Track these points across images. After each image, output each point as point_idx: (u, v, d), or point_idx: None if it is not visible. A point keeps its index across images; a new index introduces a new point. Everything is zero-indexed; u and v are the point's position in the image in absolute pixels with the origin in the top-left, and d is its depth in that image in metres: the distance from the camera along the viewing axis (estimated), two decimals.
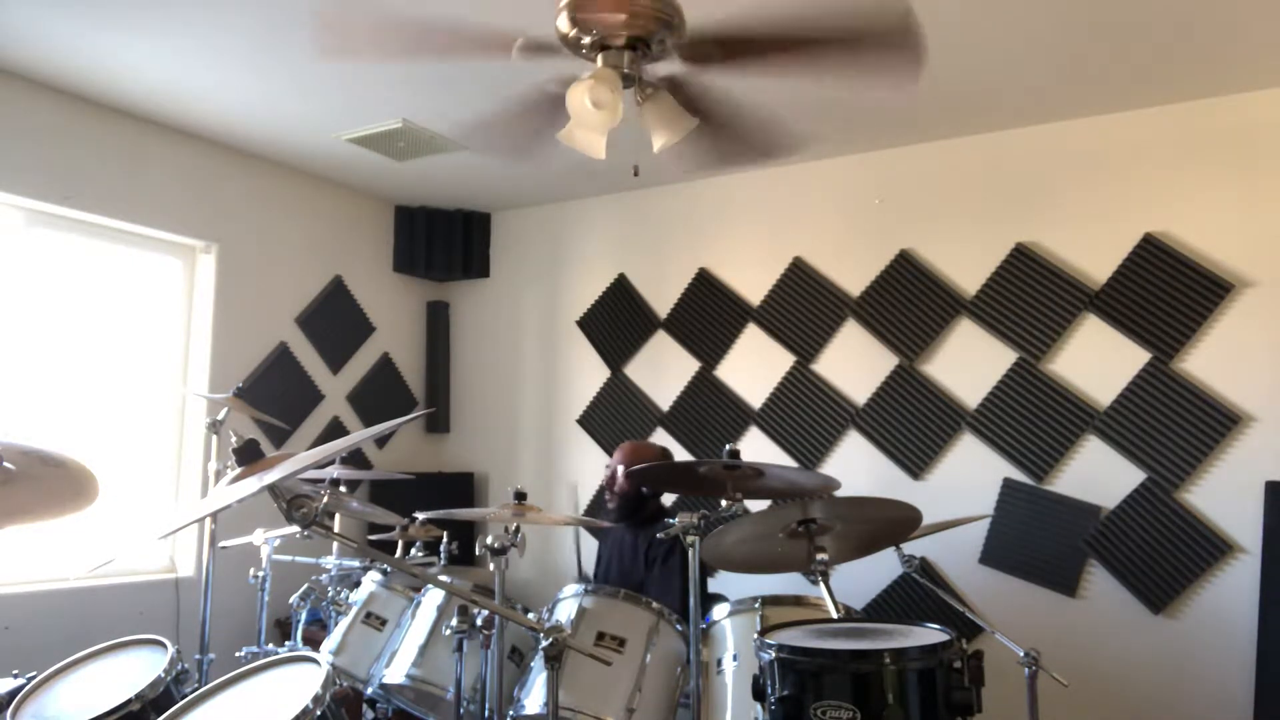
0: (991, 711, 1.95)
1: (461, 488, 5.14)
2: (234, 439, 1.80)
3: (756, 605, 2.42)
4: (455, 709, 2.65)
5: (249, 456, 1.75)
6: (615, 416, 4.85)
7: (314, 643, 3.32)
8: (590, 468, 4.89)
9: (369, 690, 2.97)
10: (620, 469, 3.42)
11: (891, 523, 2.47)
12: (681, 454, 4.53)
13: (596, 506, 4.76)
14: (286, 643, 3.59)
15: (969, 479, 3.95)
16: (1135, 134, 3.76)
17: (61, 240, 3.84)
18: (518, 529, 2.51)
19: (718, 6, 2.60)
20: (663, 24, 2.44)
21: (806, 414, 4.32)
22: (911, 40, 2.79)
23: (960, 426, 3.98)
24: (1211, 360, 3.56)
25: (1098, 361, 3.75)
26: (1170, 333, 3.62)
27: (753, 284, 4.55)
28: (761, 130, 3.35)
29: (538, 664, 2.54)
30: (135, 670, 2.22)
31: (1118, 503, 3.66)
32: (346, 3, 3.08)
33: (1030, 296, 3.89)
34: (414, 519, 3.47)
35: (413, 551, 3.58)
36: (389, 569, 3.20)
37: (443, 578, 2.73)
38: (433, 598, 2.96)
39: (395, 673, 2.84)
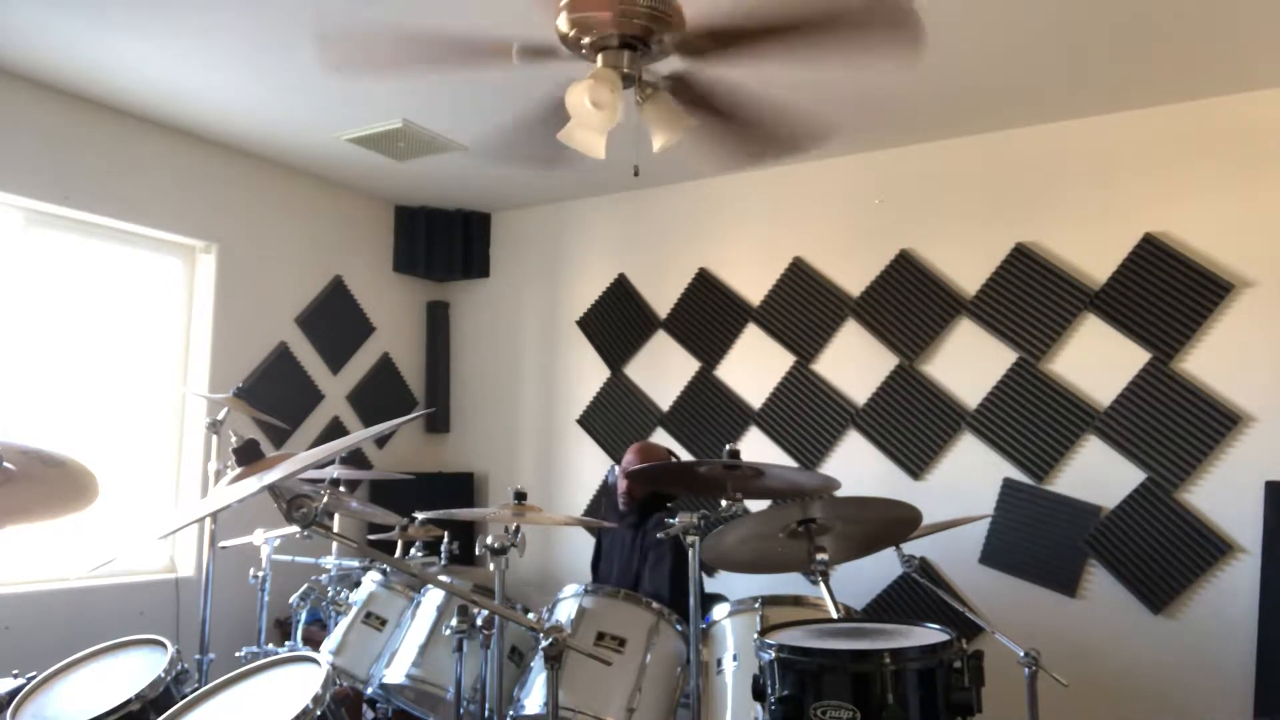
0: (991, 711, 1.95)
1: (461, 488, 5.14)
2: (234, 439, 1.80)
3: (756, 605, 2.42)
4: (455, 709, 2.65)
5: (249, 456, 1.75)
6: (615, 416, 4.85)
7: (314, 643, 3.32)
8: (590, 467, 4.89)
9: (369, 690, 2.97)
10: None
11: (891, 523, 2.47)
12: (681, 454, 4.53)
13: (597, 505, 4.76)
14: (286, 643, 3.59)
15: (969, 479, 3.95)
16: (1135, 134, 3.76)
17: (61, 240, 3.84)
18: (518, 529, 2.51)
19: (722, 69, 2.60)
20: (658, 21, 2.44)
21: (806, 414, 4.32)
22: (909, 17, 2.77)
23: (960, 426, 3.98)
24: (1211, 360, 3.56)
25: (1098, 361, 3.75)
26: (1170, 333, 3.62)
27: (753, 284, 4.55)
28: (786, 124, 3.33)
29: (538, 664, 2.54)
30: (135, 670, 2.22)
31: (1118, 503, 3.66)
32: (347, 19, 3.08)
33: (1030, 296, 3.89)
34: (414, 519, 3.47)
35: (413, 551, 3.58)
36: (389, 569, 3.20)
37: (443, 578, 2.73)
38: (433, 598, 2.96)
39: (395, 673, 2.84)
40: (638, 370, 4.83)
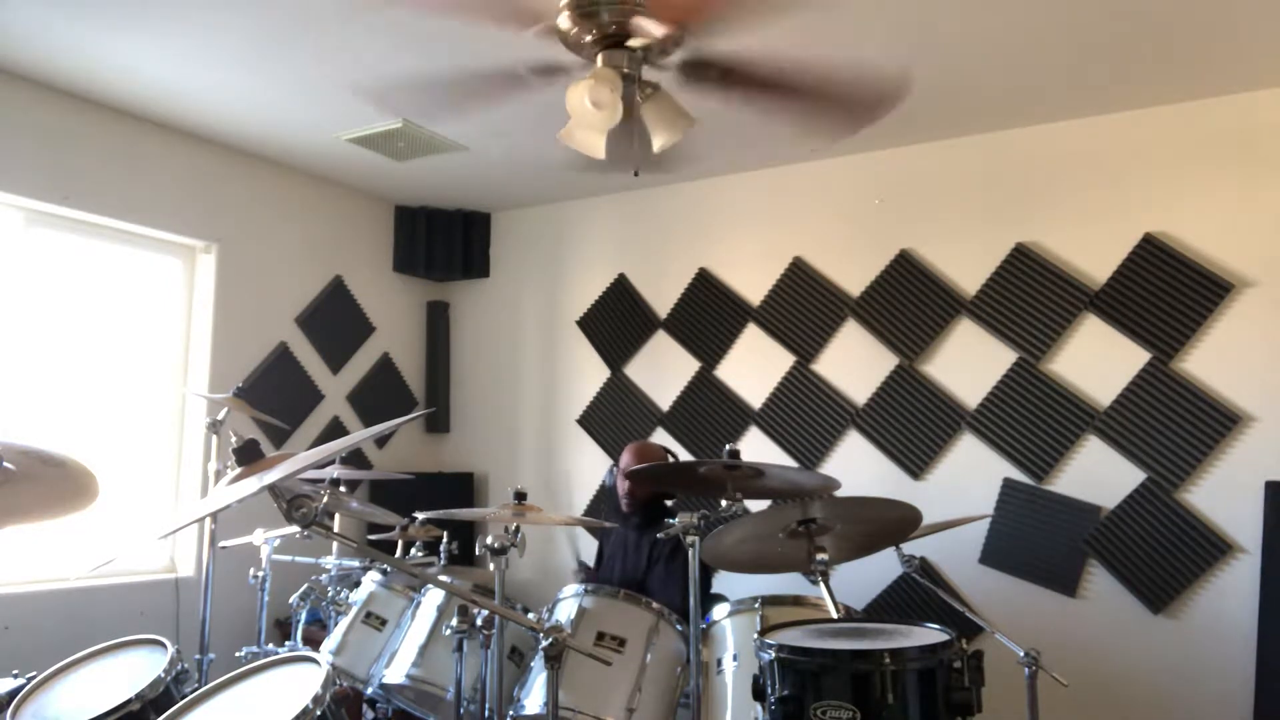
0: (991, 711, 1.95)
1: (461, 488, 5.14)
2: (234, 439, 1.79)
3: (756, 605, 2.43)
4: (455, 709, 2.66)
5: (249, 456, 1.75)
6: (615, 416, 4.85)
7: (314, 643, 3.32)
8: (590, 467, 4.89)
9: (369, 690, 2.97)
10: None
11: (891, 523, 2.47)
12: (681, 454, 4.53)
13: (597, 505, 4.76)
14: (286, 643, 3.58)
15: (969, 479, 3.95)
16: (1135, 134, 3.76)
17: (61, 240, 3.83)
18: (518, 529, 2.51)
19: (734, 38, 2.61)
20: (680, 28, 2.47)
21: (806, 414, 4.32)
22: (885, 109, 2.83)
23: (960, 426, 3.98)
24: (1211, 360, 3.56)
25: (1098, 361, 3.75)
26: (1170, 333, 3.62)
27: (753, 284, 4.55)
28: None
29: (538, 664, 2.54)
30: (135, 670, 2.22)
31: (1118, 503, 3.65)
32: None
33: (1030, 296, 3.88)
34: (414, 519, 3.47)
35: (413, 551, 3.58)
36: (389, 569, 3.20)
37: (443, 578, 2.73)
38: (433, 598, 2.96)
39: (395, 673, 2.84)
40: (638, 370, 4.83)
